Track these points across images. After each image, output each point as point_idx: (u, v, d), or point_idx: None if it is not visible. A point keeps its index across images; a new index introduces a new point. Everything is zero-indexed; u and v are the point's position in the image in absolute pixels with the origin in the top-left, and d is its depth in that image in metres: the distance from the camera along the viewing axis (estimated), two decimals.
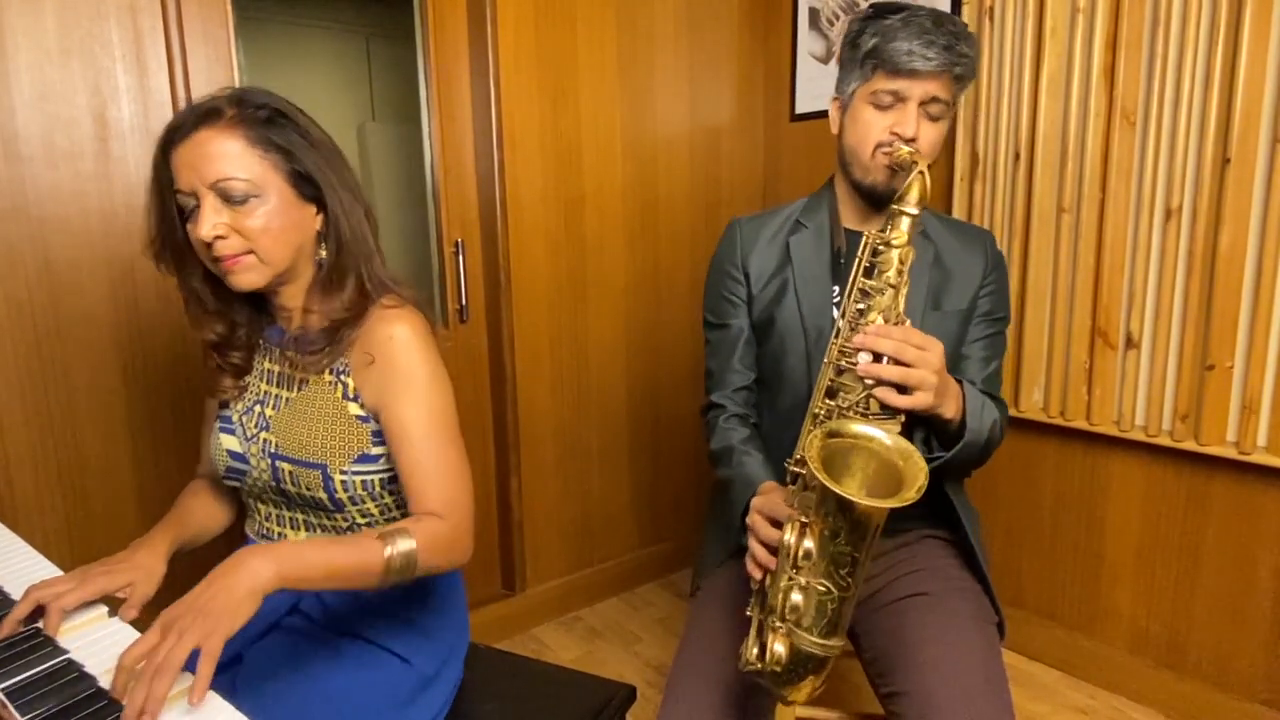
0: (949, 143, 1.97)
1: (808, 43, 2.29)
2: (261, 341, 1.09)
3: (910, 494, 0.82)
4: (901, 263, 0.98)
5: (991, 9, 1.84)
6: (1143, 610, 1.82)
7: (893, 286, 0.97)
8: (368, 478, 1.01)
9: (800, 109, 2.34)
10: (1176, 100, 1.60)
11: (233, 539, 1.68)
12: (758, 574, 0.97)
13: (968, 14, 1.89)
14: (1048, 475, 1.94)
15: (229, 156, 0.91)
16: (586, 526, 2.29)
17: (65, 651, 0.82)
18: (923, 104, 1.10)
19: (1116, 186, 1.70)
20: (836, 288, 1.21)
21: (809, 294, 1.21)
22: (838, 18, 2.19)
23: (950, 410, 1.05)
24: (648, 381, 2.33)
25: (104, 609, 0.91)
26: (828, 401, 1.00)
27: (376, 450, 1.01)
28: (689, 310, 2.35)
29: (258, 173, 0.92)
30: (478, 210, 2.01)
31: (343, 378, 1.01)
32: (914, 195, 0.99)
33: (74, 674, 0.78)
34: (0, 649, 0.82)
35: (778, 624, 0.90)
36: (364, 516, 1.04)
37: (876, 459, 0.90)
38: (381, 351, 0.98)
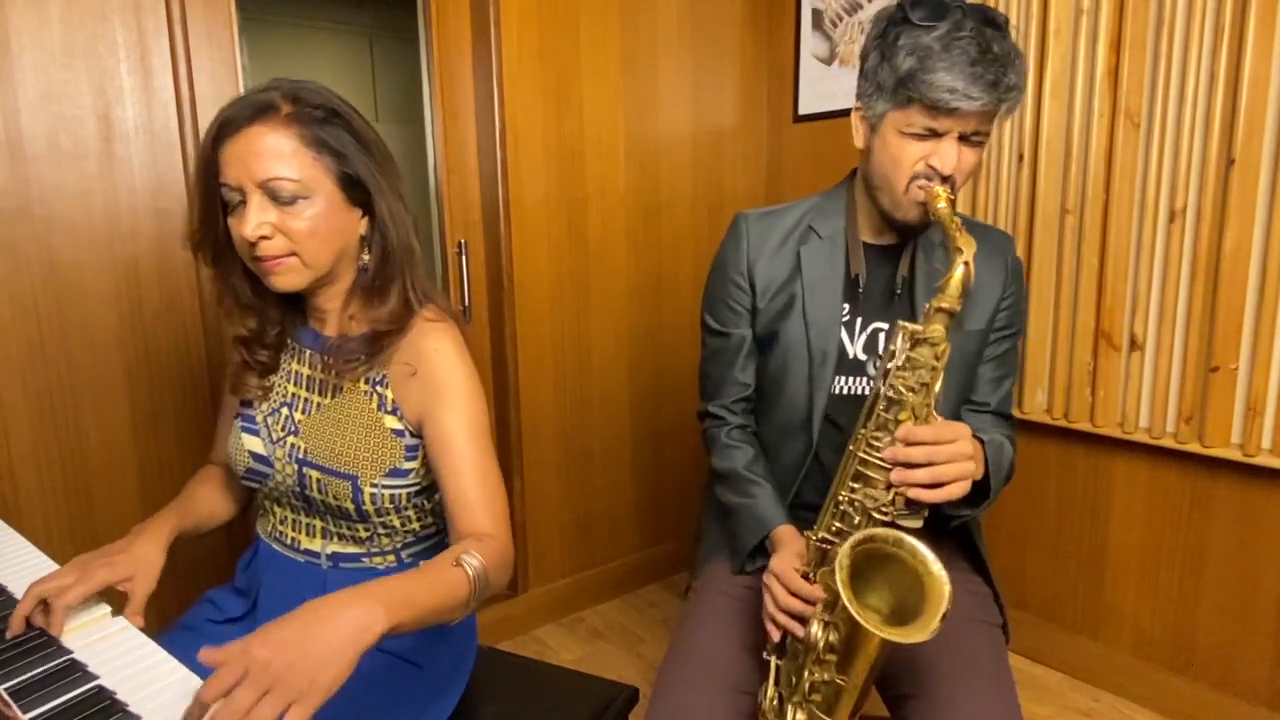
0: None
1: (811, 44, 2.28)
2: (290, 342, 1.06)
3: (934, 623, 0.84)
4: (937, 360, 0.92)
5: (995, 10, 1.84)
6: (1147, 612, 1.82)
7: (925, 384, 0.92)
8: (396, 491, 0.99)
9: (803, 110, 2.34)
10: (1181, 101, 1.59)
11: (234, 532, 1.68)
12: (776, 635, 1.00)
13: None
14: (1051, 477, 1.93)
15: (281, 155, 0.88)
16: (589, 527, 2.29)
17: (69, 651, 0.82)
18: (962, 136, 1.01)
19: (1120, 188, 1.70)
20: (847, 305, 1.15)
21: (817, 315, 1.14)
22: (841, 19, 2.19)
23: (979, 473, 1.02)
24: (650, 383, 2.33)
25: (107, 609, 0.91)
26: (853, 485, 0.97)
27: (408, 465, 0.99)
28: (691, 312, 2.35)
29: (308, 174, 0.90)
30: (481, 211, 2.02)
31: (379, 388, 0.99)
32: (954, 289, 0.91)
33: (77, 673, 0.78)
34: (4, 648, 0.82)
35: (799, 699, 0.96)
36: (385, 529, 1.03)
37: (902, 567, 0.91)
38: (425, 364, 0.96)
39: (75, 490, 1.52)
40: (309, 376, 1.04)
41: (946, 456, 0.91)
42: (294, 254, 0.92)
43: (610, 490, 2.31)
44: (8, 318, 1.43)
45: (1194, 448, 1.66)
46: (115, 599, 0.93)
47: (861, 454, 0.96)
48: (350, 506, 0.99)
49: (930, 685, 1.02)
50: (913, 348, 0.94)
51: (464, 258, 1.98)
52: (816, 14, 2.26)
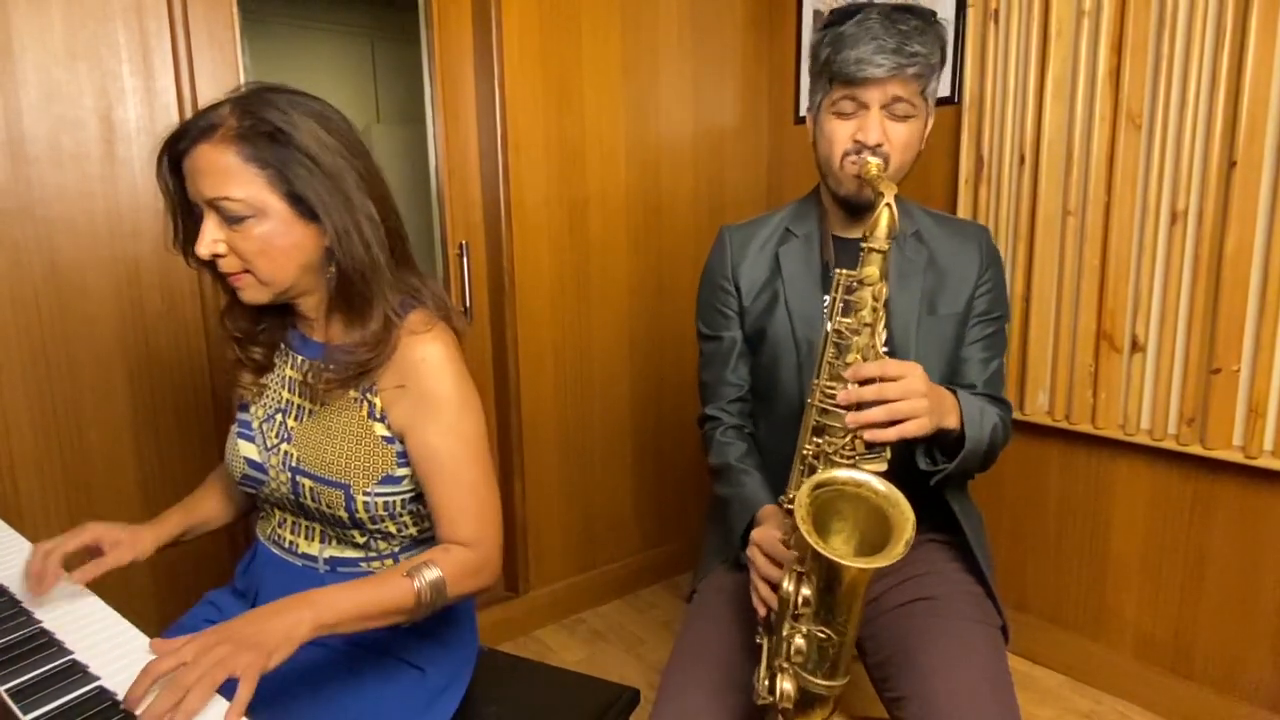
0: (954, 145, 1.97)
1: None
2: (283, 346, 1.06)
3: (898, 549, 0.83)
4: (875, 299, 0.95)
5: (996, 11, 1.84)
6: (1148, 615, 1.82)
7: (868, 325, 0.96)
8: (390, 499, 0.99)
9: (804, 111, 2.34)
10: (1182, 103, 1.59)
11: (234, 535, 1.69)
12: (762, 609, 1.00)
13: (973, 17, 1.89)
14: (1053, 479, 1.93)
15: (224, 173, 0.87)
16: (590, 529, 2.29)
17: (70, 652, 0.82)
18: (885, 106, 1.08)
19: (1122, 190, 1.70)
20: (827, 298, 1.18)
21: (799, 306, 1.20)
22: None
23: (951, 421, 1.04)
24: (651, 384, 2.33)
25: (117, 615, 0.91)
26: (815, 440, 0.98)
27: (401, 472, 0.99)
28: (692, 313, 2.33)
29: (253, 191, 0.88)
30: (482, 212, 2.02)
31: (369, 396, 0.98)
32: (882, 230, 0.96)
33: (78, 674, 0.78)
34: (4, 649, 0.82)
35: (784, 664, 0.94)
36: (381, 535, 1.03)
37: (866, 505, 0.90)
38: (412, 375, 0.96)
39: (75, 490, 1.52)
40: (300, 382, 1.03)
41: (897, 392, 0.92)
42: (247, 271, 0.92)
43: (611, 491, 2.31)
44: (9, 318, 1.43)
45: (1195, 449, 1.66)
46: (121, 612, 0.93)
47: (818, 404, 0.98)
48: (344, 515, 0.98)
49: (927, 685, 1.01)
50: (851, 291, 0.97)
51: (465, 259, 1.98)
52: (818, 15, 2.25)
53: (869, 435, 0.93)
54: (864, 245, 0.97)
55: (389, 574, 0.90)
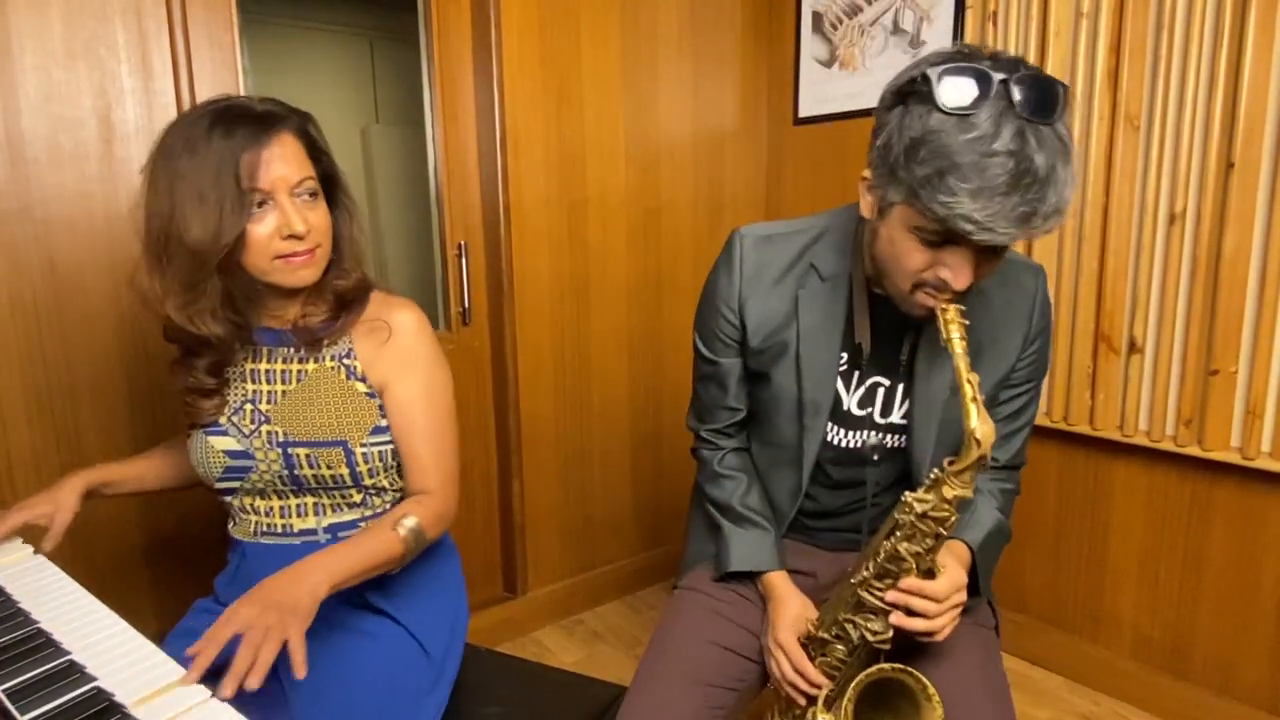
0: None
1: (811, 47, 2.29)
2: (245, 348, 1.06)
3: None
4: (943, 526, 0.88)
5: (995, 12, 1.84)
6: (1146, 616, 1.82)
7: (929, 550, 0.91)
8: (383, 448, 1.06)
9: (804, 113, 2.34)
10: (1180, 104, 1.59)
11: (218, 524, 1.68)
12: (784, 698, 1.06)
13: (971, 18, 1.89)
14: (1051, 480, 1.93)
15: (302, 158, 0.98)
16: (588, 529, 2.29)
17: (68, 652, 0.82)
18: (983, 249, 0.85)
19: (1120, 190, 1.70)
20: (845, 354, 1.07)
21: (812, 365, 1.06)
22: (841, 22, 2.19)
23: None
24: (650, 385, 2.33)
25: (114, 615, 0.90)
26: (853, 611, 1.00)
27: (385, 423, 1.07)
28: (691, 315, 2.34)
29: (313, 173, 1.00)
30: (481, 213, 2.02)
31: (345, 361, 1.05)
32: (968, 478, 0.84)
33: (76, 674, 0.78)
34: (1, 649, 0.82)
35: None
36: (376, 490, 1.08)
37: (905, 693, 0.96)
38: (398, 332, 1.05)
39: None
40: (268, 370, 1.06)
41: (940, 610, 0.93)
42: (319, 246, 1.00)
43: (609, 493, 2.31)
44: (7, 318, 1.43)
45: (1193, 451, 1.66)
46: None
47: (862, 591, 0.98)
48: (345, 472, 1.03)
49: None
50: (921, 517, 0.89)
51: (464, 260, 1.98)
52: (817, 17, 2.26)
53: (908, 635, 0.96)
54: (941, 476, 0.86)
55: (375, 529, 0.99)
